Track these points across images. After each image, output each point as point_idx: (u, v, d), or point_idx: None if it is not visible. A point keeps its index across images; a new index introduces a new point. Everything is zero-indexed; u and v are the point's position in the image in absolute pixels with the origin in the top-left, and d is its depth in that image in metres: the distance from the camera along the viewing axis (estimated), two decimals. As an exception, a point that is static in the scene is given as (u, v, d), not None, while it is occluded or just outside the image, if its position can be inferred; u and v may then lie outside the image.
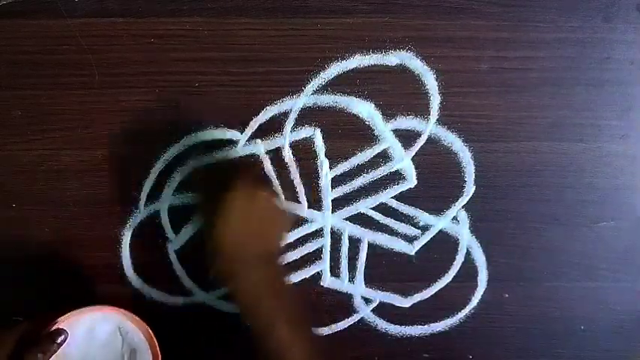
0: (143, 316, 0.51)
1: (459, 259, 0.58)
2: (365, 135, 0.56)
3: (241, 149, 0.56)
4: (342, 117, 0.56)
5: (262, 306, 0.47)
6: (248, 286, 0.47)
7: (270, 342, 0.46)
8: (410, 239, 0.58)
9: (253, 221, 0.48)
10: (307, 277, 0.58)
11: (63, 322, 0.48)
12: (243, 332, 0.57)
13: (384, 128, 0.56)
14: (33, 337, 0.46)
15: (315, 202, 0.57)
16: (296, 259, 0.58)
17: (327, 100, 0.55)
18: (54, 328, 0.47)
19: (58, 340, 0.47)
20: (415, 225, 0.58)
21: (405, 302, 0.59)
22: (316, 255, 0.58)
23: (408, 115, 0.56)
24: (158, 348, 0.49)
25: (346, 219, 0.57)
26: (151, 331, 0.50)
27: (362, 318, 0.59)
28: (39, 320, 0.48)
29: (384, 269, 0.58)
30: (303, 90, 0.55)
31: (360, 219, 0.57)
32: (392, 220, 0.57)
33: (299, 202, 0.57)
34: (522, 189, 0.57)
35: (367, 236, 0.58)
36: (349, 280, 0.58)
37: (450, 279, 0.58)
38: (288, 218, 0.53)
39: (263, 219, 0.49)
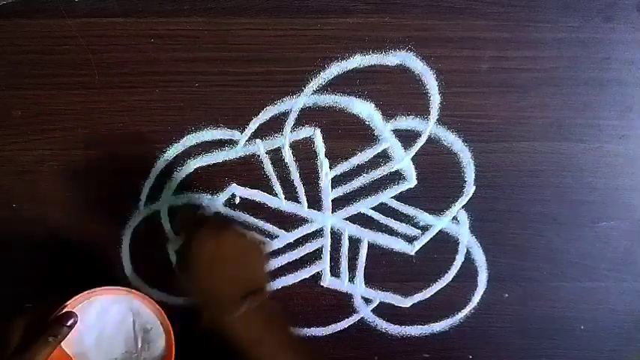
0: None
1: (459, 259, 0.58)
2: (365, 135, 0.56)
3: (241, 149, 0.56)
4: (342, 117, 0.56)
5: (264, 344, 0.46)
6: (244, 329, 0.46)
7: None
8: (410, 239, 0.58)
9: (228, 262, 0.47)
10: (307, 277, 0.58)
11: (72, 306, 0.48)
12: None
13: (384, 128, 0.56)
14: (43, 321, 0.46)
15: (315, 202, 0.57)
16: (296, 259, 0.58)
17: (327, 100, 0.55)
18: (63, 311, 0.47)
19: (68, 324, 0.47)
20: (415, 225, 0.58)
21: (405, 302, 0.59)
22: (316, 255, 0.58)
23: (408, 115, 0.56)
24: (170, 325, 0.49)
25: (346, 219, 0.57)
26: (161, 309, 0.49)
27: (362, 318, 0.59)
28: (49, 305, 0.48)
29: (384, 269, 0.58)
30: (303, 90, 0.55)
31: (360, 219, 0.57)
32: (392, 220, 0.58)
33: (299, 202, 0.57)
34: (522, 189, 0.57)
35: (367, 236, 0.58)
36: (349, 280, 0.58)
37: (450, 279, 0.58)
38: (262, 248, 0.51)
39: (237, 257, 0.47)
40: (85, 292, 0.48)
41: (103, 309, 0.50)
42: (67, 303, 0.47)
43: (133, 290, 0.50)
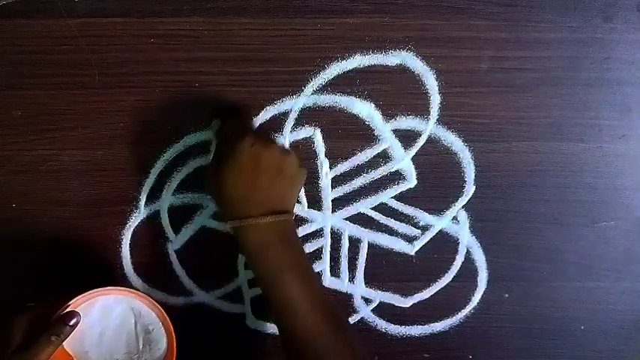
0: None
1: (459, 259, 0.58)
2: (365, 135, 0.56)
3: (241, 149, 0.56)
4: (342, 117, 0.56)
5: (270, 254, 0.47)
6: (256, 233, 0.47)
7: (280, 290, 0.46)
8: (410, 239, 0.58)
9: (267, 174, 0.47)
10: (307, 277, 0.58)
11: (75, 306, 0.48)
12: (243, 332, 0.58)
13: (384, 128, 0.56)
14: (46, 320, 0.46)
15: (315, 202, 0.57)
16: (296, 259, 0.58)
17: (327, 100, 0.55)
18: (66, 310, 0.47)
19: (71, 323, 0.47)
20: (415, 225, 0.58)
21: (405, 302, 0.59)
22: (316, 255, 0.58)
23: (408, 115, 0.56)
24: (171, 326, 0.50)
25: (346, 219, 0.57)
26: (162, 309, 0.50)
27: (362, 318, 0.59)
28: (52, 304, 0.48)
29: (384, 269, 0.58)
30: (303, 90, 0.55)
31: (360, 219, 0.57)
32: (392, 220, 0.58)
33: (299, 202, 0.57)
34: (522, 189, 0.57)
35: (367, 236, 0.58)
36: (349, 280, 0.58)
37: (450, 279, 0.58)
38: (303, 174, 0.51)
39: (276, 172, 0.48)
40: (88, 292, 0.48)
41: (105, 309, 0.50)
42: (70, 302, 0.48)
43: (135, 291, 0.50)
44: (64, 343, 0.47)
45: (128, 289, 0.50)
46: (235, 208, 0.48)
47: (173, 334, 0.49)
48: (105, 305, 0.50)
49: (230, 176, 0.47)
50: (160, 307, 0.49)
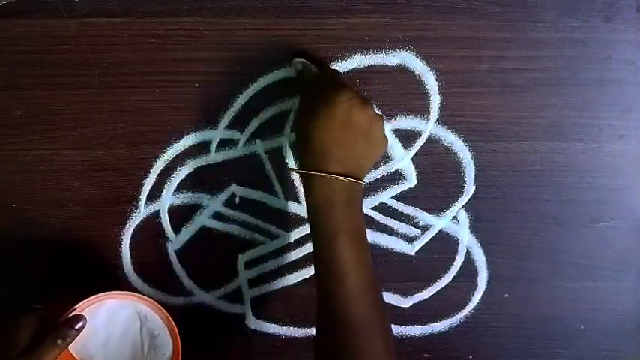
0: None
1: (459, 259, 0.58)
2: (365, 135, 0.56)
3: (241, 149, 0.56)
4: (342, 117, 0.55)
5: (334, 212, 0.46)
6: (327, 189, 0.46)
7: (332, 251, 0.45)
8: (410, 239, 0.58)
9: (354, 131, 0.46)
10: (307, 277, 0.58)
11: (81, 309, 0.48)
12: (243, 332, 0.58)
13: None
14: (52, 322, 0.46)
15: (315, 202, 0.57)
16: (296, 259, 0.58)
17: (327, 100, 0.55)
18: (72, 314, 0.47)
19: (77, 326, 0.46)
20: (415, 225, 0.58)
21: (405, 302, 0.59)
22: (316, 255, 0.58)
23: (408, 115, 0.56)
24: (177, 330, 0.49)
25: (346, 219, 0.57)
26: (168, 314, 0.49)
27: (362, 318, 0.59)
28: (58, 306, 0.48)
29: (384, 269, 0.58)
30: (303, 90, 0.55)
31: (360, 219, 0.57)
32: (392, 220, 0.57)
33: (299, 202, 0.57)
34: (522, 189, 0.57)
35: (367, 236, 0.58)
36: (349, 280, 0.58)
37: (450, 279, 0.58)
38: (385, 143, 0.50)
39: (363, 131, 0.47)
40: (95, 295, 0.48)
41: (111, 313, 0.50)
42: (77, 306, 0.47)
43: (141, 295, 0.50)
44: (69, 346, 0.47)
45: (134, 293, 0.50)
46: (315, 159, 0.46)
47: (179, 339, 0.49)
48: (111, 309, 0.50)
49: (318, 126, 0.46)
50: (166, 312, 0.49)
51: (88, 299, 0.48)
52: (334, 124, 0.46)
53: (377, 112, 0.49)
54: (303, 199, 0.56)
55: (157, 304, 0.50)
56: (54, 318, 0.47)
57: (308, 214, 0.48)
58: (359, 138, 0.46)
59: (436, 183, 0.57)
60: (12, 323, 0.45)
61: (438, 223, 0.58)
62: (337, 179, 0.46)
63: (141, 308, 0.50)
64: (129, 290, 0.51)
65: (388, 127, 0.56)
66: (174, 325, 0.49)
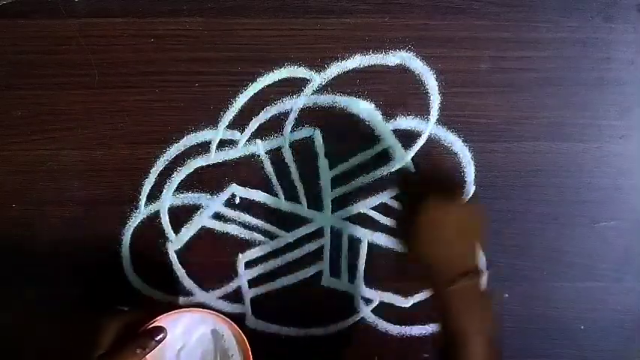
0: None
1: (459, 259, 0.58)
2: (365, 135, 0.56)
3: (241, 149, 0.56)
4: (342, 117, 0.56)
5: (461, 317, 0.47)
6: (452, 297, 0.47)
7: (464, 355, 0.46)
8: (410, 239, 0.58)
9: (455, 233, 0.48)
10: (307, 277, 0.58)
11: (163, 320, 0.48)
12: (243, 332, 0.58)
13: (384, 128, 0.56)
14: (133, 330, 0.46)
15: (315, 202, 0.57)
16: (296, 259, 0.58)
17: (327, 100, 0.55)
18: (154, 325, 0.47)
19: (157, 338, 0.46)
20: (415, 225, 0.58)
21: (405, 302, 0.59)
22: (316, 255, 0.58)
23: (408, 115, 0.56)
24: (250, 353, 0.49)
25: (346, 219, 0.57)
26: (244, 336, 0.49)
27: (362, 318, 0.59)
28: (140, 315, 0.47)
29: (384, 269, 0.58)
30: (303, 90, 0.55)
31: (360, 219, 0.57)
32: (392, 220, 0.57)
33: (299, 202, 0.57)
34: (522, 189, 0.57)
35: (367, 236, 0.58)
36: (349, 280, 0.58)
37: (450, 279, 0.58)
38: (484, 223, 0.51)
39: (462, 230, 0.48)
40: (178, 310, 0.48)
41: (188, 327, 0.49)
42: (159, 317, 0.47)
43: (221, 315, 0.49)
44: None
45: (214, 312, 0.49)
46: (428, 271, 0.49)
47: (250, 358, 0.49)
48: (189, 323, 0.49)
49: (415, 249, 0.49)
50: (244, 336, 0.49)
51: (170, 312, 0.47)
52: (427, 246, 0.48)
53: (461, 203, 0.51)
54: (304, 199, 0.57)
55: (235, 325, 0.49)
56: (135, 326, 0.46)
57: (443, 318, 0.49)
58: (454, 240, 0.48)
59: (436, 183, 0.57)
60: (95, 324, 0.45)
61: (438, 223, 0.58)
62: (454, 287, 0.47)
63: (219, 327, 0.50)
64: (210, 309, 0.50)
65: (388, 127, 0.56)
66: (249, 348, 0.49)
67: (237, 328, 0.49)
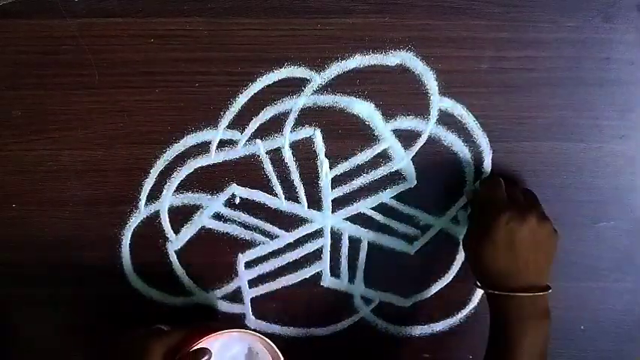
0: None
1: (459, 259, 0.58)
2: (365, 135, 0.56)
3: (241, 149, 0.56)
4: (342, 117, 0.56)
5: (523, 328, 0.48)
6: (514, 306, 0.48)
7: None
8: (410, 239, 0.58)
9: (526, 248, 0.49)
10: (307, 277, 0.58)
11: (205, 341, 0.47)
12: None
13: (384, 128, 0.56)
14: (176, 351, 0.46)
15: (315, 202, 0.57)
16: (296, 259, 0.58)
17: (327, 100, 0.55)
18: (198, 346, 0.46)
19: None
20: (415, 225, 0.58)
21: (405, 302, 0.59)
22: (316, 255, 0.58)
23: (408, 115, 0.56)
24: None
25: (346, 219, 0.57)
26: (280, 354, 0.48)
27: (362, 318, 0.59)
28: (183, 334, 0.47)
29: (384, 269, 0.58)
30: (303, 90, 0.55)
31: (360, 219, 0.57)
32: (392, 220, 0.58)
33: (299, 202, 0.57)
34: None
35: (367, 236, 0.58)
36: (349, 280, 0.58)
37: (450, 279, 0.58)
38: (557, 240, 0.52)
39: (535, 245, 0.49)
40: (222, 331, 0.47)
41: (224, 345, 0.49)
42: (203, 339, 0.46)
43: (259, 334, 0.49)
44: None
45: (256, 332, 0.49)
46: (492, 279, 0.50)
47: None
48: (227, 342, 0.49)
49: (487, 251, 0.49)
50: (278, 351, 0.48)
51: (215, 334, 0.47)
52: (500, 247, 0.48)
53: (540, 217, 0.50)
54: (304, 199, 0.57)
55: (269, 341, 0.48)
56: (178, 347, 0.46)
57: (493, 329, 0.50)
58: (529, 253, 0.49)
59: (436, 183, 0.57)
60: (139, 346, 0.45)
61: (438, 223, 0.58)
62: (521, 295, 0.48)
63: (254, 343, 0.49)
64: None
65: (388, 127, 0.56)
66: None
67: (273, 345, 0.48)
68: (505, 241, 0.48)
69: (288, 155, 0.56)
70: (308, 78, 0.55)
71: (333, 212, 0.57)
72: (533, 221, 0.49)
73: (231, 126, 0.55)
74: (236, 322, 0.58)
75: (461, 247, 0.58)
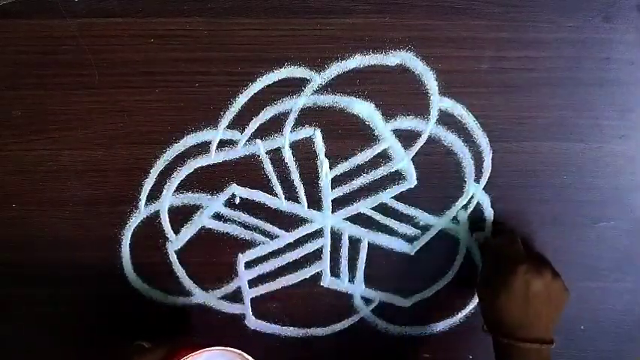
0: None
1: (459, 259, 0.58)
2: (365, 135, 0.56)
3: (241, 149, 0.56)
4: (342, 117, 0.56)
5: None
6: (521, 355, 0.49)
7: None
8: (410, 239, 0.58)
9: (537, 301, 0.49)
10: (307, 277, 0.58)
11: (194, 357, 0.47)
12: (243, 332, 0.58)
13: (384, 128, 0.56)
14: None
15: (315, 202, 0.57)
16: (296, 259, 0.58)
17: (327, 100, 0.55)
18: None
19: None
20: (415, 225, 0.58)
21: (405, 302, 0.59)
22: (316, 255, 0.58)
23: (408, 115, 0.56)
24: None
25: (346, 219, 0.57)
26: None
27: (362, 318, 0.59)
28: (164, 352, 0.47)
29: (384, 269, 0.58)
30: (303, 90, 0.55)
31: (360, 219, 0.57)
32: (392, 220, 0.58)
33: (299, 202, 0.57)
34: (522, 189, 0.57)
35: (367, 236, 0.58)
36: (349, 280, 0.58)
37: (450, 279, 0.58)
38: (567, 296, 0.52)
39: (545, 299, 0.50)
40: (200, 350, 0.47)
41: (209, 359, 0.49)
42: (190, 356, 0.46)
43: (241, 352, 0.48)
44: None
45: (239, 351, 0.48)
46: (503, 328, 0.50)
47: None
48: (210, 357, 0.48)
49: (501, 299, 0.49)
50: None
51: (195, 352, 0.47)
52: (515, 296, 0.49)
53: (554, 273, 0.51)
54: (304, 199, 0.57)
55: None
56: None
57: None
58: (541, 306, 0.49)
59: (436, 183, 0.57)
60: None
61: (438, 223, 0.58)
62: (530, 347, 0.48)
63: None
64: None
65: (388, 127, 0.56)
66: None
67: None
68: (521, 291, 0.49)
69: (288, 155, 0.56)
70: (308, 78, 0.55)
71: (333, 212, 0.57)
72: (548, 276, 0.50)
73: (231, 126, 0.55)
74: (236, 322, 0.58)
75: (460, 247, 0.58)
